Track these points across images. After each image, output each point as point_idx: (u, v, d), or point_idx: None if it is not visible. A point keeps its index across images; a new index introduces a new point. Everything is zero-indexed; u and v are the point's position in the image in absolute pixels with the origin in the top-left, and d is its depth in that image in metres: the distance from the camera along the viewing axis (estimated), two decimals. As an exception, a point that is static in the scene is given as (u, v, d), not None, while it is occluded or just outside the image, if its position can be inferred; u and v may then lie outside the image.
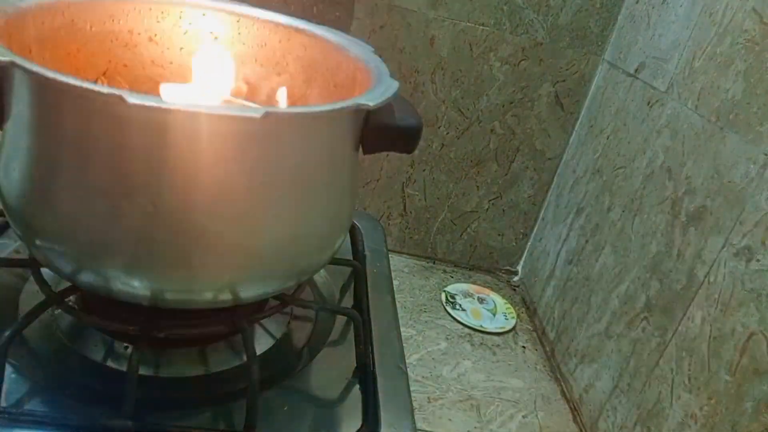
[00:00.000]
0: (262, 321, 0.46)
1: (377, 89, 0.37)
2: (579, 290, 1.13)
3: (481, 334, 1.21)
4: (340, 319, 0.49)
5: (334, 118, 0.36)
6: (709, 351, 0.75)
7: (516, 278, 1.45)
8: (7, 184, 0.36)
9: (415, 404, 0.87)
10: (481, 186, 1.36)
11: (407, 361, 0.47)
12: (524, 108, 1.27)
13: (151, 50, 0.49)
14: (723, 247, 0.76)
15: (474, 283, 1.39)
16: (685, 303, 0.82)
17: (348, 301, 0.53)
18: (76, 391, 0.37)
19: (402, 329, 0.50)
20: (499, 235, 1.42)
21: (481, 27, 1.19)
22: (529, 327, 1.28)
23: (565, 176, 1.30)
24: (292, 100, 0.49)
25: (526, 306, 1.36)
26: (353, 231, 0.62)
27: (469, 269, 1.45)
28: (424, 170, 1.34)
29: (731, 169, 0.77)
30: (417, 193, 1.36)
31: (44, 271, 0.41)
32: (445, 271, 1.42)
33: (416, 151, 1.32)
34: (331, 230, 0.41)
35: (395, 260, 1.41)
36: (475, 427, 0.97)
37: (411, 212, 1.39)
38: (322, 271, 0.54)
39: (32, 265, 0.41)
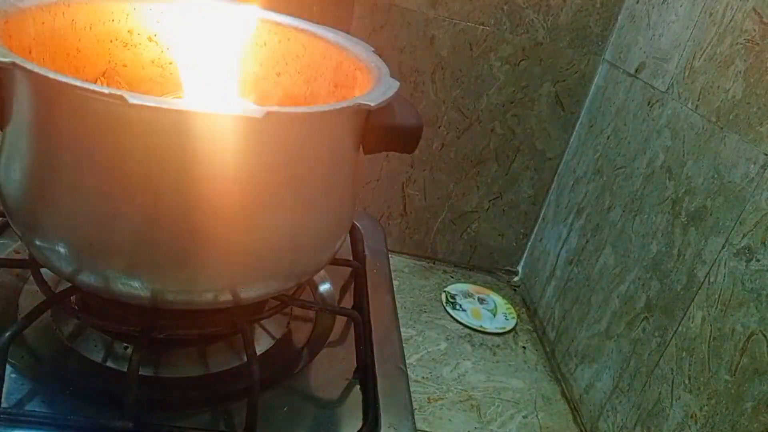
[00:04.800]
0: (262, 321, 0.46)
1: (378, 89, 0.37)
2: (579, 290, 1.13)
3: (481, 335, 1.21)
4: (340, 319, 0.49)
5: (334, 118, 0.36)
6: (709, 351, 0.75)
7: (516, 278, 1.45)
8: (7, 185, 0.36)
9: (415, 404, 0.87)
10: (481, 186, 1.36)
11: (407, 361, 0.47)
12: (524, 108, 1.27)
13: (151, 50, 0.49)
14: (723, 247, 0.76)
15: (474, 283, 1.39)
16: (686, 303, 0.82)
17: (348, 302, 0.53)
18: (76, 391, 0.37)
19: (402, 329, 0.50)
20: (499, 235, 1.42)
21: (481, 27, 1.19)
22: (530, 327, 1.28)
23: (565, 176, 1.30)
24: (292, 100, 0.49)
25: (527, 306, 1.36)
26: (353, 231, 0.62)
27: (469, 269, 1.45)
28: (424, 170, 1.34)
29: (731, 169, 0.77)
30: (417, 193, 1.36)
31: (44, 271, 0.41)
32: (445, 272, 1.42)
33: (416, 151, 1.32)
34: (331, 230, 0.41)
35: (395, 260, 1.41)
36: (476, 428, 0.97)
37: (411, 212, 1.39)
38: (322, 271, 0.54)
39: (32, 265, 0.41)
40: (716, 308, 0.75)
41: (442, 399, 1.02)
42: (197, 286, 0.36)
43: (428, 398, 1.01)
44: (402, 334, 0.49)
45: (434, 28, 1.19)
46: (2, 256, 0.48)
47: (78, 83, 0.28)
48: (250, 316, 0.42)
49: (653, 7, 1.06)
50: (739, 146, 0.76)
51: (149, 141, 0.31)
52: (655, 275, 0.90)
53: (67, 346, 0.41)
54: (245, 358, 0.39)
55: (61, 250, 0.34)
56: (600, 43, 1.21)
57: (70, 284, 0.39)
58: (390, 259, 0.60)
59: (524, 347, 1.21)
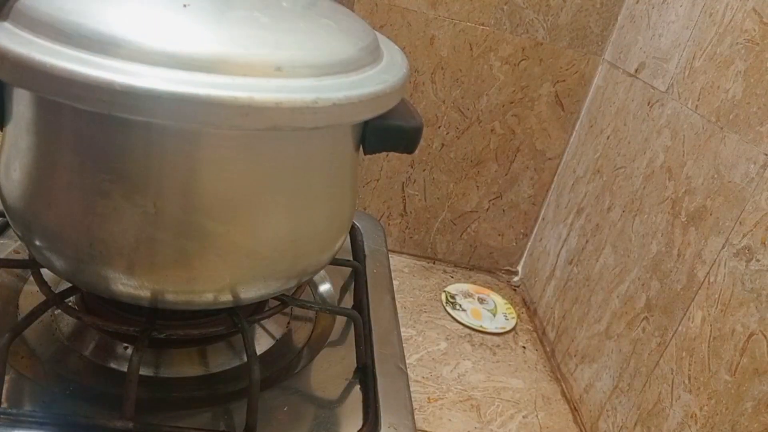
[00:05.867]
0: (262, 321, 0.46)
1: (377, 89, 0.37)
2: (579, 290, 1.13)
3: (481, 335, 1.21)
4: (340, 319, 0.49)
5: (334, 119, 0.36)
6: (709, 351, 0.75)
7: (516, 278, 1.45)
8: (7, 185, 0.36)
9: (415, 404, 0.87)
10: (481, 186, 1.36)
11: (407, 361, 0.47)
12: (524, 108, 1.27)
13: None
14: (723, 247, 0.76)
15: (474, 283, 1.39)
16: (685, 303, 0.82)
17: (348, 301, 0.53)
18: (76, 391, 0.37)
19: (402, 329, 0.50)
20: (499, 235, 1.42)
21: (481, 27, 1.19)
22: (530, 327, 1.28)
23: (565, 176, 1.30)
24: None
25: (527, 306, 1.36)
26: (353, 231, 0.62)
27: (469, 269, 1.45)
28: (424, 170, 1.34)
29: (731, 169, 0.77)
30: (417, 193, 1.36)
31: (44, 271, 0.41)
32: (445, 271, 1.42)
33: (416, 151, 1.31)
34: (331, 231, 0.41)
35: (395, 260, 1.41)
36: (476, 428, 0.97)
37: (411, 212, 1.39)
38: (322, 271, 0.54)
39: (32, 265, 0.41)
40: (716, 308, 0.75)
41: (442, 399, 1.02)
42: (197, 286, 0.36)
43: (428, 398, 1.01)
44: (402, 334, 0.49)
45: (434, 28, 1.19)
46: (2, 256, 0.48)
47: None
48: (250, 316, 0.42)
49: (653, 7, 1.06)
50: (739, 146, 0.76)
51: (149, 141, 0.31)
52: (655, 275, 0.90)
53: (67, 346, 0.41)
54: (245, 358, 0.39)
55: (61, 250, 0.34)
56: (600, 43, 1.21)
57: (70, 284, 0.39)
58: (390, 259, 0.60)
59: (524, 347, 1.21)
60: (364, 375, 0.44)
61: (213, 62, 0.29)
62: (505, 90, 1.25)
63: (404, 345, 0.58)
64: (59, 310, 0.42)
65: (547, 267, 1.30)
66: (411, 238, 1.42)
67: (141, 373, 0.35)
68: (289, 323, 0.48)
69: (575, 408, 1.06)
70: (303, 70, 0.32)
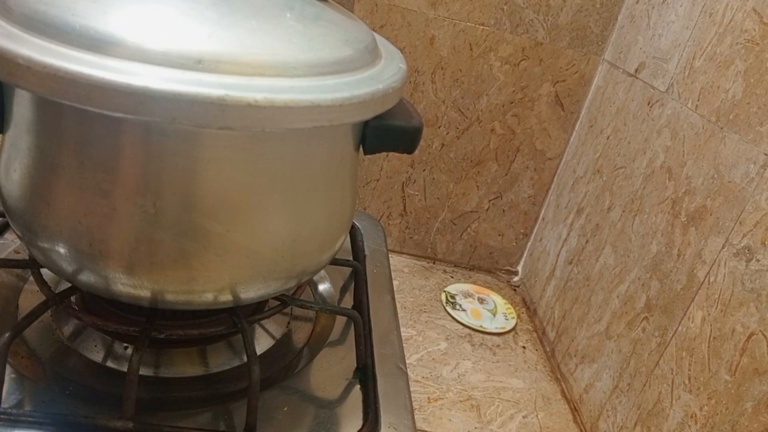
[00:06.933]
0: (262, 321, 0.46)
1: (377, 89, 0.37)
2: (579, 290, 1.13)
3: (481, 335, 1.21)
4: (340, 319, 0.49)
5: (334, 119, 0.36)
6: (709, 351, 0.75)
7: (516, 278, 1.45)
8: (7, 185, 0.36)
9: (415, 404, 0.87)
10: (481, 186, 1.36)
11: (407, 361, 0.47)
12: (524, 108, 1.27)
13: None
14: (723, 247, 0.76)
15: (474, 283, 1.39)
16: (685, 303, 0.82)
17: (348, 301, 0.53)
18: (76, 391, 0.37)
19: (402, 329, 0.50)
20: (499, 235, 1.42)
21: (481, 27, 1.19)
22: (530, 327, 1.28)
23: (565, 176, 1.30)
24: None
25: (527, 306, 1.36)
26: (353, 231, 0.62)
27: (469, 269, 1.45)
28: (424, 170, 1.34)
29: (731, 169, 0.77)
30: (417, 193, 1.36)
31: (44, 271, 0.41)
32: (445, 271, 1.42)
33: (416, 151, 1.32)
34: (331, 231, 0.41)
35: (395, 260, 1.41)
36: (476, 428, 0.97)
37: (411, 212, 1.39)
38: (322, 271, 0.54)
39: (32, 265, 0.41)
40: (716, 308, 0.75)
41: (442, 399, 1.02)
42: (197, 286, 0.36)
43: (428, 398, 1.01)
44: (402, 334, 0.49)
45: (434, 28, 1.19)
46: (2, 256, 0.48)
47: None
48: (250, 316, 0.42)
49: (653, 7, 1.06)
50: (739, 146, 0.76)
51: (149, 141, 0.31)
52: (655, 275, 0.90)
53: (67, 346, 0.41)
54: (245, 358, 0.39)
55: (61, 250, 0.34)
56: (600, 43, 1.21)
57: (70, 284, 0.39)
58: (390, 259, 0.60)
59: (524, 347, 1.21)
60: (364, 375, 0.44)
61: (212, 62, 0.29)
62: (505, 90, 1.25)
63: (404, 345, 0.58)
64: (59, 310, 0.42)
65: (547, 267, 1.30)
66: (411, 238, 1.42)
67: (141, 373, 0.35)
68: (289, 323, 0.48)
69: (575, 408, 1.06)
70: (302, 70, 0.32)
